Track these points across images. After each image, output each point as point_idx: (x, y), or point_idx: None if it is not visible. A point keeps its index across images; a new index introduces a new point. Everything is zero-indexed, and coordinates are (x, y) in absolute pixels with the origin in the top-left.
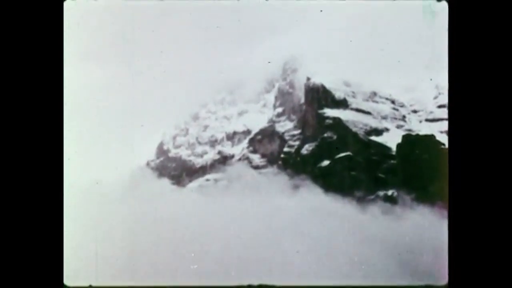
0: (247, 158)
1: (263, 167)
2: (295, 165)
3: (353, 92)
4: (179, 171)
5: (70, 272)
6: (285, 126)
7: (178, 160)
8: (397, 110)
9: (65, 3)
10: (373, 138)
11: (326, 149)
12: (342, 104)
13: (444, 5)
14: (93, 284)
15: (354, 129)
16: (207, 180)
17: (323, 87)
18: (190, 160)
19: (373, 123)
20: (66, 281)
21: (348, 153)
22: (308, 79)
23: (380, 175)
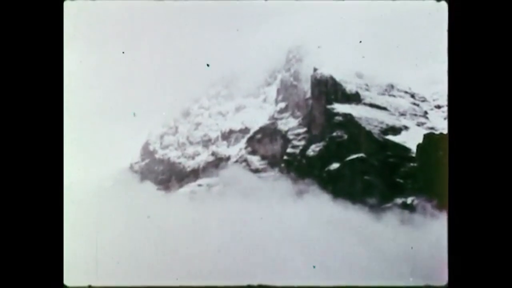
0: (245, 160)
1: (263, 170)
2: (299, 168)
3: (366, 85)
4: (167, 175)
5: (70, 272)
6: (289, 123)
7: (166, 162)
8: (417, 105)
9: (65, 3)
10: (390, 137)
11: (335, 150)
12: (354, 98)
13: (444, 5)
14: (93, 284)
15: (367, 127)
16: (199, 185)
17: (332, 79)
18: (180, 163)
19: (390, 120)
20: (66, 281)
21: (360, 154)
22: (315, 69)
23: (398, 180)
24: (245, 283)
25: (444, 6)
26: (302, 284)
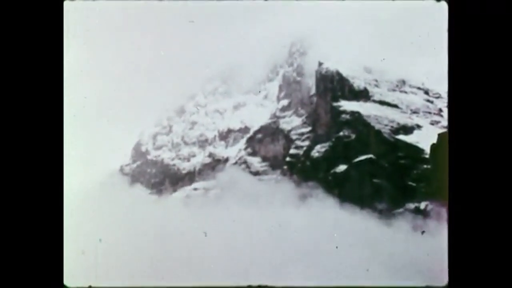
0: (245, 162)
1: (264, 173)
2: (303, 171)
3: (376, 80)
4: (160, 178)
5: (70, 272)
6: (292, 122)
7: (159, 164)
8: (431, 102)
9: (65, 3)
10: (401, 137)
11: (342, 151)
12: (363, 95)
13: (444, 5)
14: (93, 284)
15: (377, 126)
16: (195, 189)
17: (339, 74)
18: (174, 165)
19: (401, 118)
20: (66, 281)
21: (369, 155)
22: (320, 64)
23: (410, 183)
24: (245, 284)
25: (444, 6)
26: (301, 284)
